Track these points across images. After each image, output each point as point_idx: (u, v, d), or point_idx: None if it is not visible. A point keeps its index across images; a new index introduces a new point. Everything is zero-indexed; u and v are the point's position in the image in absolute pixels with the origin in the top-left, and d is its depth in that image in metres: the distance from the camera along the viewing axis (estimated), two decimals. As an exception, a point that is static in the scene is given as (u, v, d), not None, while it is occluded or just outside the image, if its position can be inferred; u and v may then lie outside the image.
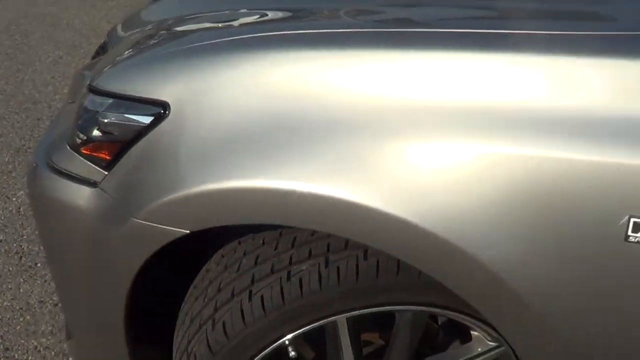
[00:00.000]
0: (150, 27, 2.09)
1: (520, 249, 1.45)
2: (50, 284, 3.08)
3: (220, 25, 1.88)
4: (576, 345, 1.55)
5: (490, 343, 1.82)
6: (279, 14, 1.91)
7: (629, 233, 1.39)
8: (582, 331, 1.53)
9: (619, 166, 1.36)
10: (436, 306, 1.70)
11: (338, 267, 1.62)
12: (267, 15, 1.91)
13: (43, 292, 3.07)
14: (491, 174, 1.41)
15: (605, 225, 1.40)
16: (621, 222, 1.38)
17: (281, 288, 1.63)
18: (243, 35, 1.72)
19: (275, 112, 1.55)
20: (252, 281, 1.66)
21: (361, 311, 1.67)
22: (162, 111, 1.63)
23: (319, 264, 1.62)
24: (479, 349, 1.85)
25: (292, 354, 1.73)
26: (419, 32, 1.66)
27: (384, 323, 1.83)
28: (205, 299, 1.74)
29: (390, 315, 1.75)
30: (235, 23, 1.89)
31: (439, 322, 1.95)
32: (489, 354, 1.83)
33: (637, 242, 1.39)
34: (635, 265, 1.42)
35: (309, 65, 1.56)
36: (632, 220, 1.37)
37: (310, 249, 1.65)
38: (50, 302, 3.02)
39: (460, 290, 1.54)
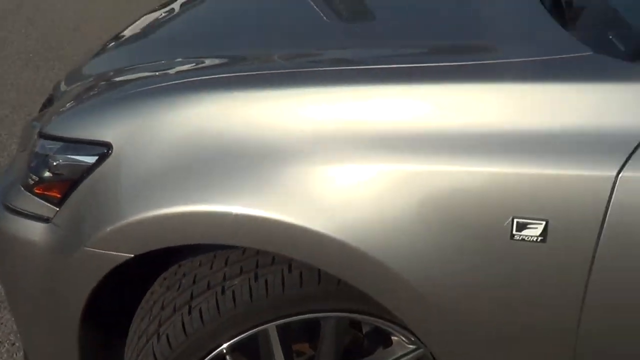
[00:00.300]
0: (91, 79, 2.31)
1: (424, 253, 1.67)
2: (6, 325, 3.23)
3: (156, 73, 2.10)
4: (482, 339, 1.77)
5: (409, 346, 2.02)
6: (211, 61, 2.14)
7: (514, 232, 1.61)
8: (487, 325, 1.75)
9: (504, 175, 1.60)
10: (356, 312, 1.91)
11: (266, 280, 1.83)
12: (200, 62, 2.14)
13: (0, 333, 3.22)
14: (395, 188, 1.65)
15: (495, 226, 1.62)
16: (506, 223, 1.61)
17: (217, 301, 1.84)
18: (173, 81, 1.95)
19: (203, 146, 1.77)
20: (191, 297, 1.87)
21: (288, 319, 1.87)
22: (105, 151, 1.85)
23: (249, 278, 1.84)
24: (400, 352, 2.04)
25: (229, 360, 1.93)
26: (325, 71, 1.90)
27: (313, 333, 2.03)
28: (151, 317, 1.94)
29: (318, 324, 1.96)
30: (171, 71, 2.11)
31: (364, 331, 2.15)
32: (408, 356, 2.03)
33: (521, 239, 1.61)
34: (520, 259, 1.64)
35: (231, 104, 1.79)
36: (515, 220, 1.60)
37: (241, 266, 1.86)
38: (7, 342, 3.17)
39: (375, 294, 1.77)
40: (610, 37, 1.80)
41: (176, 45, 2.39)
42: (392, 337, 2.06)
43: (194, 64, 2.12)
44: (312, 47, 2.12)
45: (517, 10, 2.13)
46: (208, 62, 2.13)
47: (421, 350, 2.00)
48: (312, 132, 1.70)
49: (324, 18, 2.35)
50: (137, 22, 2.79)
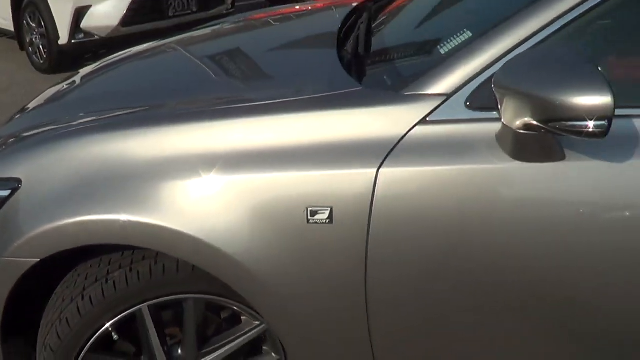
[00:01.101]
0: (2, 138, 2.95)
1: (251, 240, 2.33)
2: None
3: (53, 127, 2.77)
4: (299, 312, 2.43)
5: (254, 322, 2.65)
6: (100, 114, 2.76)
7: (309, 217, 2.29)
8: (301, 298, 2.40)
9: (300, 177, 2.28)
10: (208, 294, 2.55)
11: (138, 271, 2.47)
12: (101, 114, 2.76)
13: None
14: (229, 193, 2.31)
15: (297, 214, 2.29)
16: (303, 211, 2.28)
17: (102, 289, 2.47)
18: (68, 129, 2.61)
19: (93, 173, 2.43)
20: (84, 288, 2.50)
21: (156, 300, 2.51)
22: (17, 185, 2.50)
23: (126, 271, 2.48)
24: (247, 328, 2.67)
25: (115, 337, 2.56)
26: (182, 113, 2.57)
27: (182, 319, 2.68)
28: (55, 309, 2.57)
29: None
30: (67, 123, 2.76)
31: (222, 317, 2.79)
32: (254, 331, 2.67)
33: (314, 222, 2.28)
34: (316, 238, 2.31)
35: (111, 142, 2.46)
36: (309, 209, 2.28)
37: (120, 263, 2.50)
38: None
39: (221, 276, 2.40)
40: (385, 76, 2.51)
41: (76, 106, 3.04)
42: (242, 317, 2.68)
43: (93, 117, 2.75)
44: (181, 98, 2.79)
45: (320, 62, 2.85)
46: (97, 115, 2.77)
47: (264, 325, 2.62)
48: (174, 157, 2.37)
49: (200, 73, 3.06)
50: (42, 95, 3.46)
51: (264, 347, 2.75)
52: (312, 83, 2.62)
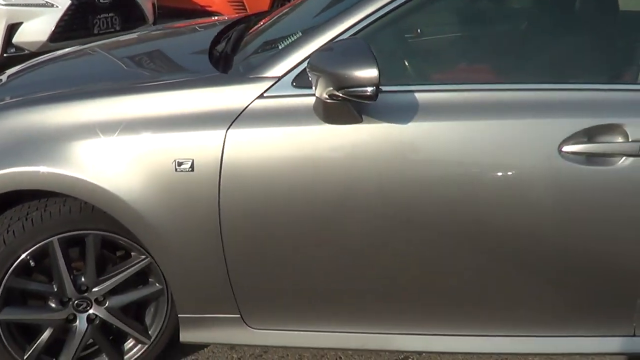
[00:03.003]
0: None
1: (138, 188, 3.10)
2: None
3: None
4: (175, 245, 3.19)
5: (142, 256, 3.41)
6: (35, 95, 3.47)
7: (177, 167, 3.07)
8: (178, 240, 3.17)
9: (171, 136, 3.09)
10: (105, 231, 3.34)
11: (50, 211, 3.25)
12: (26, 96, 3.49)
13: None
14: (125, 151, 3.08)
15: (168, 166, 3.09)
16: (172, 162, 3.08)
17: (22, 224, 3.24)
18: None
19: (19, 137, 3.17)
20: (9, 225, 3.28)
21: (63, 235, 3.27)
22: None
23: (41, 211, 3.24)
24: (135, 261, 3.42)
25: (32, 264, 3.33)
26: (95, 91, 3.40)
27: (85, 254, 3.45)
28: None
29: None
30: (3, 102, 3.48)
31: (117, 254, 3.56)
32: (140, 264, 3.41)
33: (180, 171, 3.08)
34: (181, 184, 3.10)
35: (34, 113, 3.22)
36: (176, 161, 3.07)
37: (37, 206, 3.27)
38: None
39: (118, 217, 3.16)
40: (240, 66, 3.36)
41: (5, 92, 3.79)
42: (132, 253, 3.45)
43: (15, 98, 3.49)
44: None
45: (195, 58, 3.74)
46: (23, 97, 3.50)
47: (148, 259, 3.37)
48: (79, 124, 3.13)
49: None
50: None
51: (150, 279, 3.50)
52: (186, 71, 3.54)
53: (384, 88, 2.91)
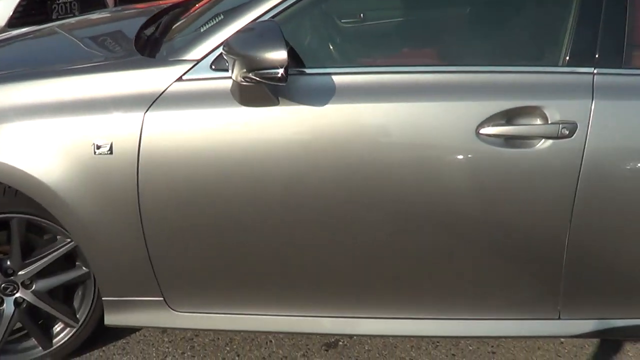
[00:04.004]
0: None
1: (61, 172, 3.10)
2: None
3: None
4: (92, 229, 3.20)
5: (67, 240, 3.42)
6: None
7: (95, 151, 3.07)
8: (99, 222, 3.18)
9: (90, 119, 3.10)
10: (29, 214, 3.34)
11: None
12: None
13: None
14: (47, 135, 3.09)
15: (86, 149, 3.09)
16: (91, 145, 3.08)
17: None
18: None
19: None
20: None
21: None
22: None
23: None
24: (60, 244, 3.44)
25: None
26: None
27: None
28: None
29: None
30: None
31: (44, 237, 3.57)
32: (65, 247, 3.43)
33: (99, 154, 3.08)
34: (103, 167, 3.11)
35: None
36: (95, 144, 3.07)
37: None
38: None
39: (40, 201, 3.15)
40: (164, 50, 3.35)
41: None
42: (57, 236, 3.45)
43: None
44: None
45: (123, 43, 3.72)
46: None
47: (73, 242, 3.39)
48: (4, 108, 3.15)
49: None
50: None
51: (77, 263, 3.52)
52: (112, 54, 3.55)
53: (305, 70, 2.98)
